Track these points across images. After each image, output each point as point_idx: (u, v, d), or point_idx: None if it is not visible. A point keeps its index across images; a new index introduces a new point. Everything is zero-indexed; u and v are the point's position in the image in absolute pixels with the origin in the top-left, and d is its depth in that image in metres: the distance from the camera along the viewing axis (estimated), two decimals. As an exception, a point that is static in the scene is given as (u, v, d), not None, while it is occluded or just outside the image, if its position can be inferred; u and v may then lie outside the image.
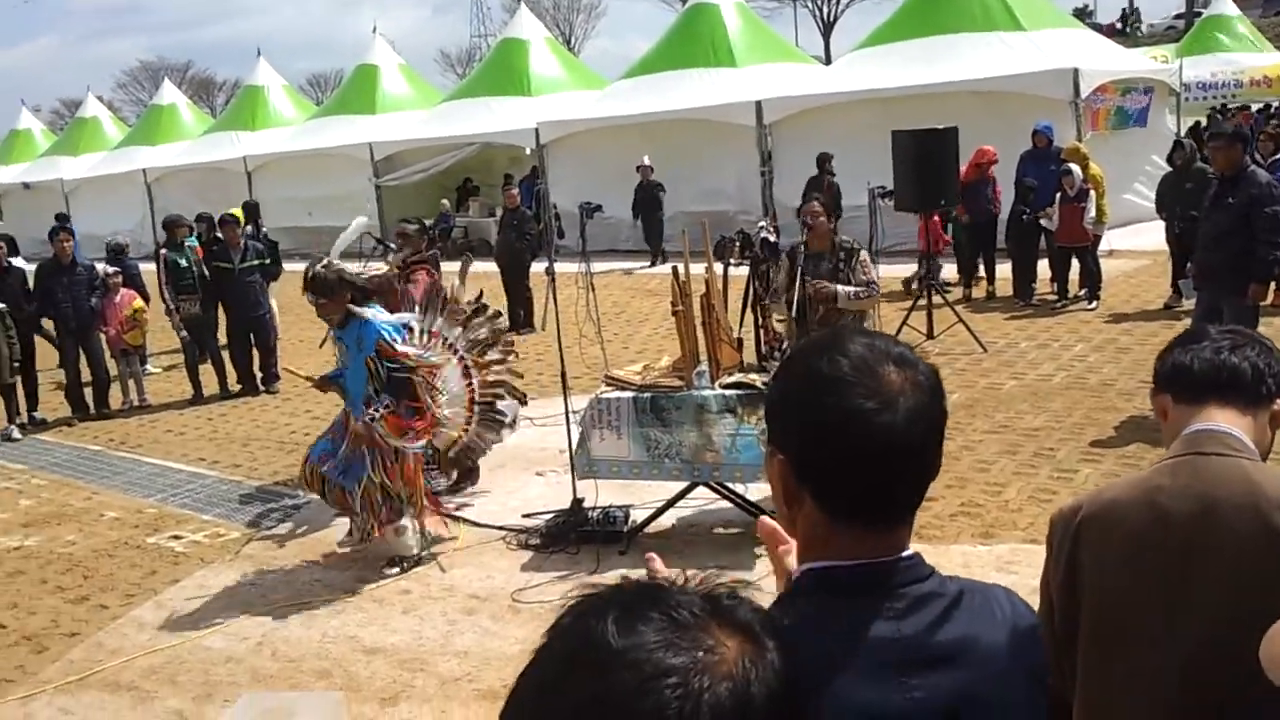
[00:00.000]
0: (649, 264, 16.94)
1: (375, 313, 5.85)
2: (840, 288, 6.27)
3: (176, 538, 6.82)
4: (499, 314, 6.98)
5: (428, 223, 21.66)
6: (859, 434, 1.19)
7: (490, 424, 6.69)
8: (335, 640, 5.13)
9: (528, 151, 20.58)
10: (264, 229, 13.83)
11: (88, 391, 10.42)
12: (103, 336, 10.43)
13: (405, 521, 5.89)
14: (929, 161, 9.94)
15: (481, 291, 6.98)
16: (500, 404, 7.05)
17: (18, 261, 10.74)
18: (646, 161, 16.89)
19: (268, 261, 11.02)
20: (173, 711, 4.63)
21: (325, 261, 5.83)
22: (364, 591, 5.66)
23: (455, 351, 6.51)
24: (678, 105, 18.03)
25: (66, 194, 28.60)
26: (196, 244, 11.61)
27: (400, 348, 5.75)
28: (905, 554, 1.25)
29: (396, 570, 5.85)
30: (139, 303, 10.86)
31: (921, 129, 10.31)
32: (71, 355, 10.22)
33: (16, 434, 9.83)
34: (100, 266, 10.96)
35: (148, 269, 12.95)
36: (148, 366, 11.61)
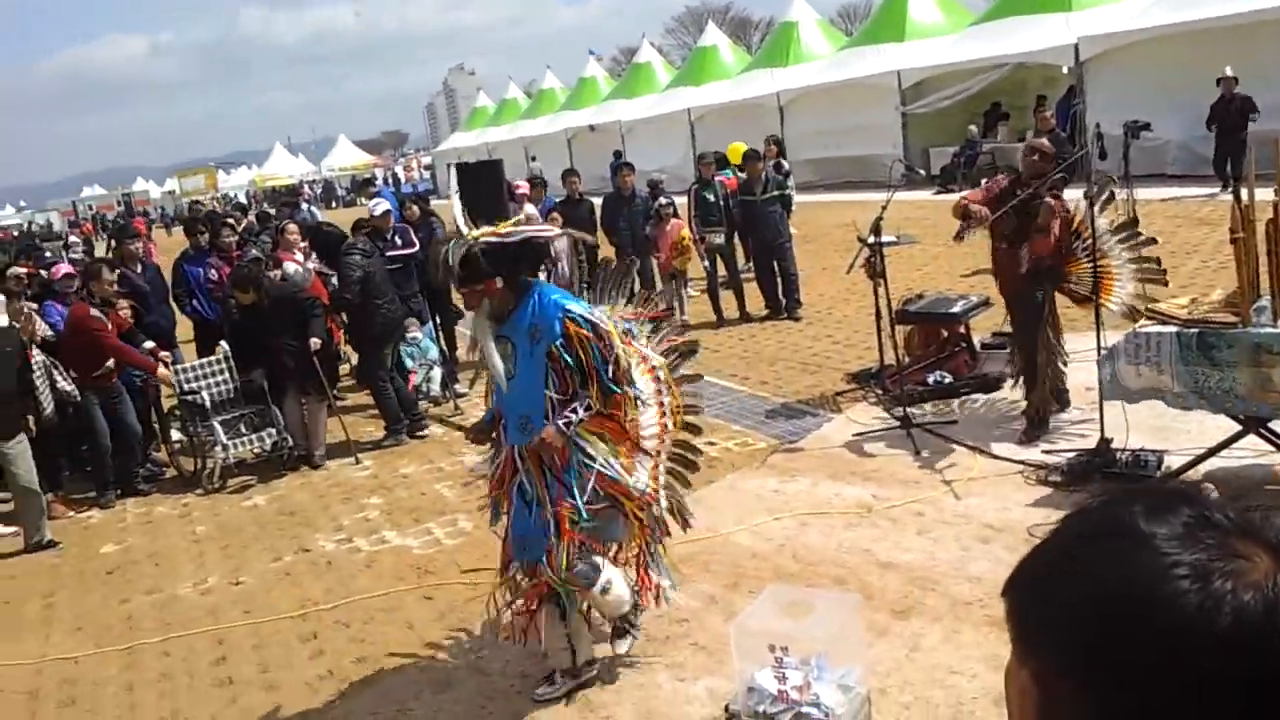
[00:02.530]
0: (1219, 190, 14.78)
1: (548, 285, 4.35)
2: None
3: (710, 443, 7.50)
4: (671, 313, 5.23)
5: (951, 149, 21.22)
6: None
7: (679, 472, 4.80)
8: (850, 551, 5.41)
9: (1064, 70, 19.25)
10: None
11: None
12: (654, 261, 11.59)
13: (608, 572, 4.30)
14: None
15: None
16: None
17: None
18: (1229, 73, 14.86)
19: (787, 193, 11.54)
20: (705, 594, 5.19)
21: (460, 236, 4.24)
22: (878, 509, 5.88)
23: (655, 375, 4.60)
24: (1250, 6, 15.77)
25: (623, 134, 31.80)
26: (729, 176, 12.43)
27: (602, 325, 4.13)
28: None
29: (626, 644, 4.59)
30: (686, 231, 11.91)
31: None
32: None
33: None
34: (663, 200, 12.11)
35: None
36: (688, 290, 12.71)
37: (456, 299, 4.63)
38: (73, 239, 19.11)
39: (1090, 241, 6.46)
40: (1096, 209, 6.51)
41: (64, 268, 9.56)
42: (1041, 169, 6.51)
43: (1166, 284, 6.61)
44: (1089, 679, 0.80)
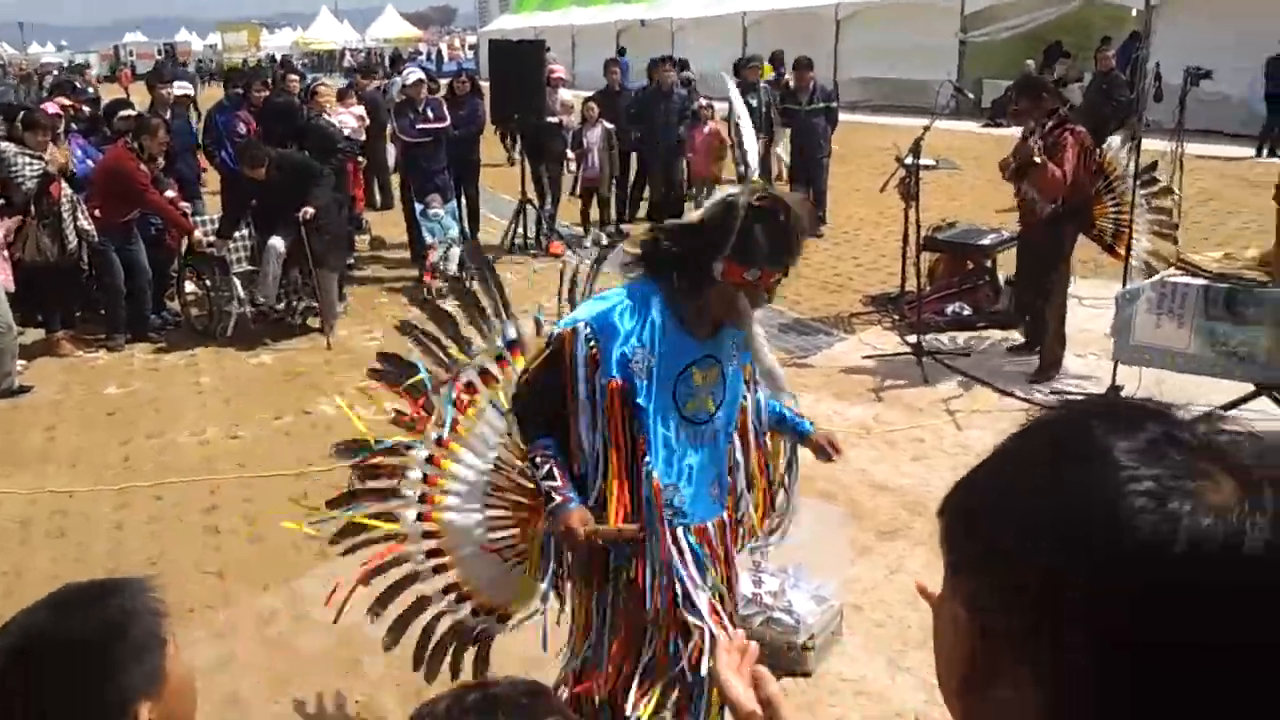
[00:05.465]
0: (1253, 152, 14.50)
1: None
2: None
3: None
4: None
5: (1006, 83, 20.65)
6: None
7: None
8: (845, 470, 5.34)
9: (1134, 13, 18.62)
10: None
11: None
12: (686, 163, 11.39)
13: None
14: None
15: None
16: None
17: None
18: None
19: (833, 106, 11.25)
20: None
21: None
22: (878, 431, 5.84)
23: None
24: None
25: (674, 32, 31.02)
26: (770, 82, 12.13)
27: None
28: None
29: None
30: (724, 134, 11.65)
31: None
32: (657, 175, 11.34)
33: (604, 240, 11.22)
34: (701, 101, 11.81)
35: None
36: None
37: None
38: (78, 84, 18.56)
39: (1116, 185, 6.31)
40: (1127, 151, 6.32)
41: (51, 107, 9.38)
42: (1034, 115, 6.29)
43: (1176, 241, 6.44)
44: (1032, 602, 0.73)
